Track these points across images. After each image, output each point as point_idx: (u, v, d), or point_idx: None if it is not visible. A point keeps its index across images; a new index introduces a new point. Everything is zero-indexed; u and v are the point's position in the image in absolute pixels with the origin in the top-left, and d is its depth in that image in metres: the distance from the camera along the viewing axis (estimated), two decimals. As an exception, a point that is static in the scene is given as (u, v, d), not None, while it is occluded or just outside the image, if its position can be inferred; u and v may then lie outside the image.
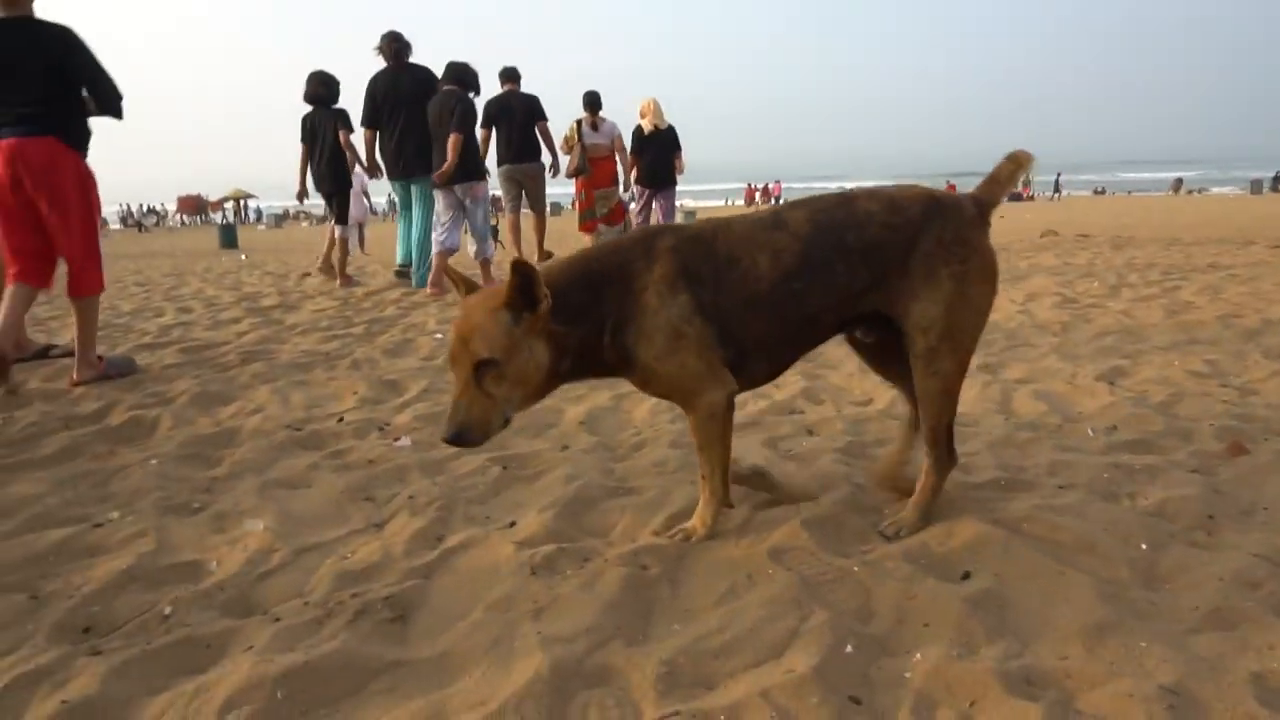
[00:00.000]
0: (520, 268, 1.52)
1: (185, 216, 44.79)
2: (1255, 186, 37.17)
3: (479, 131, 6.39)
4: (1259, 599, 1.45)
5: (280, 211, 42.99)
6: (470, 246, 6.21)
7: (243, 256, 13.59)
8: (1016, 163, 1.77)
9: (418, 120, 5.95)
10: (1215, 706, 1.17)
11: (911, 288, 1.68)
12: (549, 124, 7.43)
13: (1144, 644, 1.31)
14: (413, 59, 6.24)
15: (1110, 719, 1.16)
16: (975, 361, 3.33)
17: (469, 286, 1.68)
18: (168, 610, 1.54)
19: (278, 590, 1.63)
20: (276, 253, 14.63)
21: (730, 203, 44.55)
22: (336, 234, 6.77)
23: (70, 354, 3.62)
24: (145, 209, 46.56)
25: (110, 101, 3.33)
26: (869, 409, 2.76)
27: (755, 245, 1.69)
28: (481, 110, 6.49)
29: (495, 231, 7.48)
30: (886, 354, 1.86)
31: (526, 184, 7.53)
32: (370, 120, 6.19)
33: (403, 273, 6.66)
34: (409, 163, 6.14)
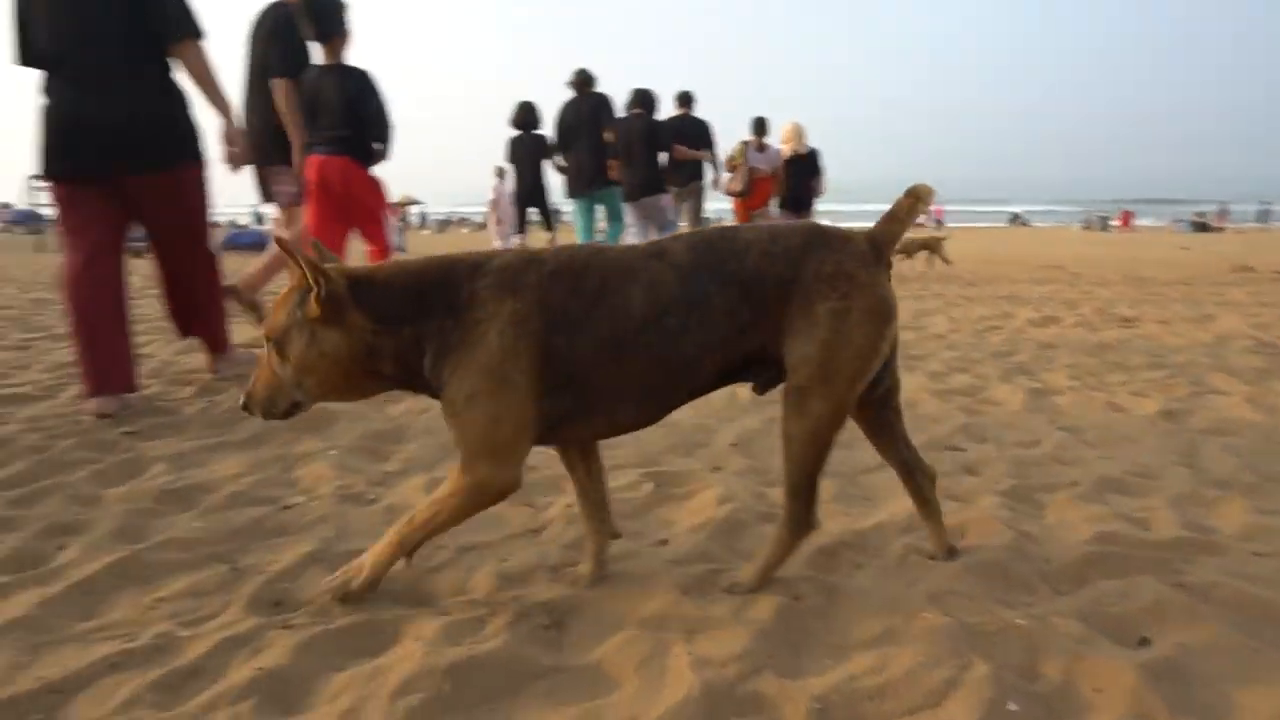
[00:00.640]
0: (311, 263, 1.50)
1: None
2: None
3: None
4: None
5: (444, 217, 45.19)
6: None
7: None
8: (915, 197, 1.63)
9: (597, 141, 6.80)
10: None
11: (791, 324, 1.56)
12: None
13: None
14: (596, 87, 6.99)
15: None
16: (1153, 406, 3.15)
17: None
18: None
19: (443, 585, 1.72)
20: (441, 256, 15.38)
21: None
22: (516, 243, 7.65)
23: None
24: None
25: (382, 133, 4.31)
26: (1035, 450, 2.63)
27: (631, 276, 1.56)
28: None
29: None
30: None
31: (688, 199, 7.88)
32: (561, 144, 7.06)
33: None
34: (590, 180, 6.87)
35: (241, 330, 4.41)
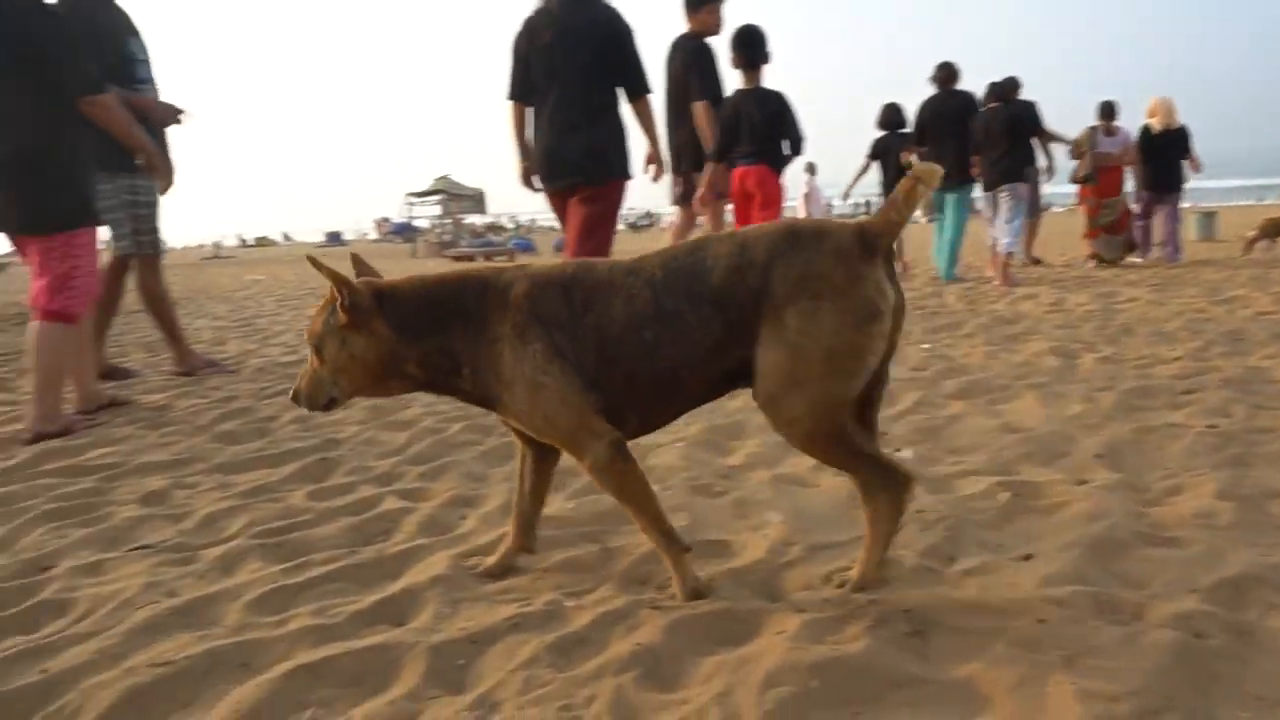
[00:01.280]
0: (337, 277, 1.64)
1: None
2: None
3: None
4: None
5: (636, 220, 45.33)
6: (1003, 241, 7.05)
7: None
8: (915, 179, 1.50)
9: (959, 136, 7.21)
10: None
11: (763, 333, 1.52)
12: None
13: None
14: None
15: None
16: None
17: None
18: (710, 581, 1.74)
19: (797, 582, 1.75)
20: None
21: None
22: None
23: None
24: (644, 211, 52.92)
25: (797, 145, 5.08)
26: None
27: (611, 290, 1.60)
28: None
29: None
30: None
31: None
32: (918, 139, 7.54)
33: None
34: (953, 174, 6.97)
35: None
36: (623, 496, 1.66)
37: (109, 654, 1.54)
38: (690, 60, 5.15)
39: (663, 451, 2.63)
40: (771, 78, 5.17)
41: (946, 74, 7.45)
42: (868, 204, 9.10)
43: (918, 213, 8.37)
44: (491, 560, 1.87)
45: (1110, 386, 3.18)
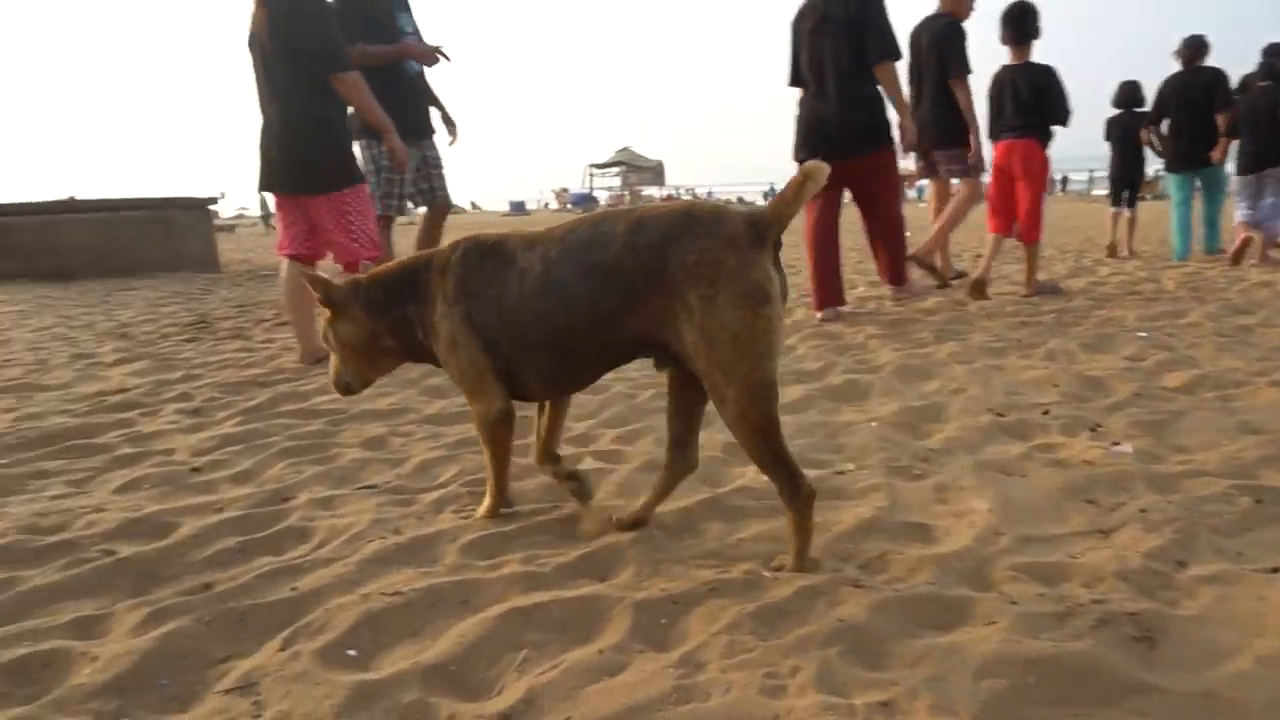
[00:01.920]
0: (313, 279, 1.99)
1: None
2: None
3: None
4: None
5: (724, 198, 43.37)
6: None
7: (908, 234, 14.14)
8: (805, 175, 1.56)
9: (1203, 115, 7.01)
10: None
11: (671, 312, 1.60)
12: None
13: None
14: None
15: None
16: None
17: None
18: (912, 566, 1.70)
19: (1006, 574, 1.67)
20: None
21: None
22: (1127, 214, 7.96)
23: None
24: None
25: (1064, 119, 5.15)
26: None
27: (512, 262, 1.76)
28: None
29: None
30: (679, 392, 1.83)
31: None
32: (1155, 118, 7.40)
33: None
34: (1196, 156, 7.10)
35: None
36: (490, 444, 1.91)
37: (346, 580, 1.69)
38: (941, 38, 5.33)
39: (857, 430, 2.58)
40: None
41: (1193, 50, 7.11)
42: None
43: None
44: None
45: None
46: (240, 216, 30.90)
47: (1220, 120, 7.01)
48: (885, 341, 3.93)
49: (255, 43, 3.78)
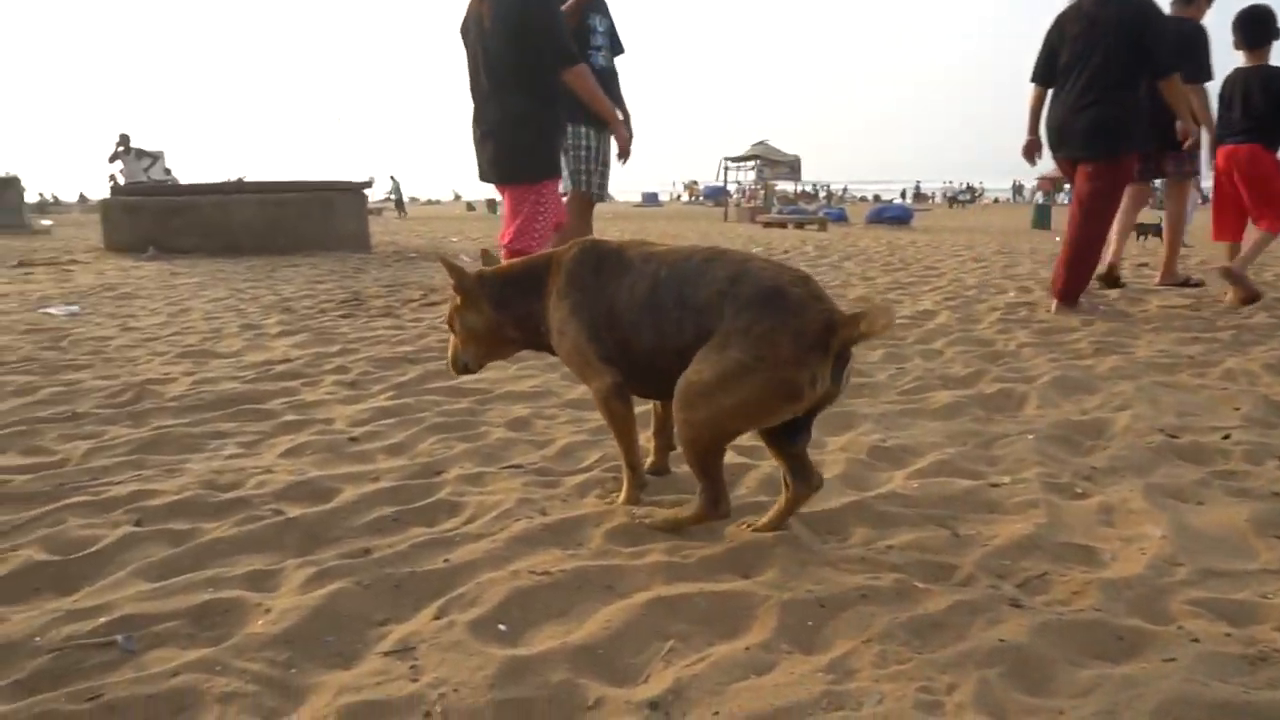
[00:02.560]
0: (450, 267, 2.10)
1: (1043, 195, 44.70)
2: None
3: None
4: None
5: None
6: None
7: (1056, 239, 13.44)
8: (886, 319, 1.62)
9: None
10: None
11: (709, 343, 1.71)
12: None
13: None
14: None
15: None
16: None
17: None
18: (1076, 589, 1.60)
19: (1185, 608, 1.55)
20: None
21: None
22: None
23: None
24: (964, 185, 49.90)
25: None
26: None
27: (629, 269, 1.89)
28: None
29: None
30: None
31: None
32: None
33: None
34: None
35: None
36: (609, 422, 1.99)
37: (496, 556, 1.74)
38: (1177, 43, 5.01)
39: (1012, 442, 2.45)
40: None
41: None
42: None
43: None
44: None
45: None
46: (387, 201, 32.42)
47: None
48: (1039, 351, 3.73)
49: (471, 34, 4.01)
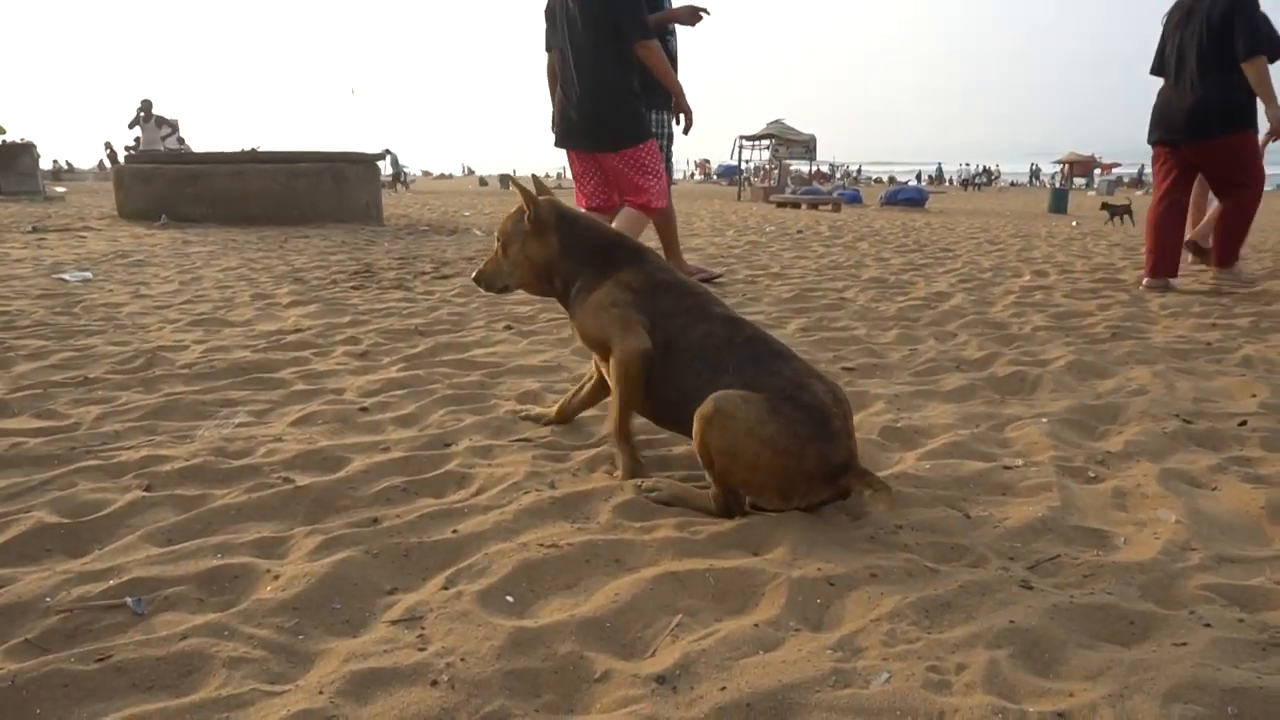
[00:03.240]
0: (528, 195, 2.09)
1: (1074, 179, 44.20)
2: None
3: None
4: None
5: (1114, 178, 40.83)
6: None
7: (1074, 224, 13.35)
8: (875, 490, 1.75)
9: None
10: None
11: None
12: None
13: None
14: None
15: None
16: None
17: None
18: (1087, 572, 1.59)
19: (1198, 593, 1.53)
20: (1116, 224, 13.95)
21: None
22: None
23: None
24: (980, 167, 49.64)
25: None
26: None
27: (702, 315, 1.95)
28: None
29: None
30: None
31: None
32: None
33: None
34: None
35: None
36: (619, 384, 1.99)
37: (505, 528, 1.74)
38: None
39: (1025, 425, 2.43)
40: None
41: None
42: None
43: None
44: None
45: None
46: (400, 174, 32.28)
47: None
48: (1054, 334, 3.70)
49: (556, 12, 4.32)
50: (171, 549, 1.64)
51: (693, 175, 56.61)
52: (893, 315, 4.17)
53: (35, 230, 8.14)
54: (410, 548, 1.66)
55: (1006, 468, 2.11)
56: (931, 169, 53.62)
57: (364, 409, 2.57)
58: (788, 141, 28.39)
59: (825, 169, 40.66)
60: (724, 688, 1.23)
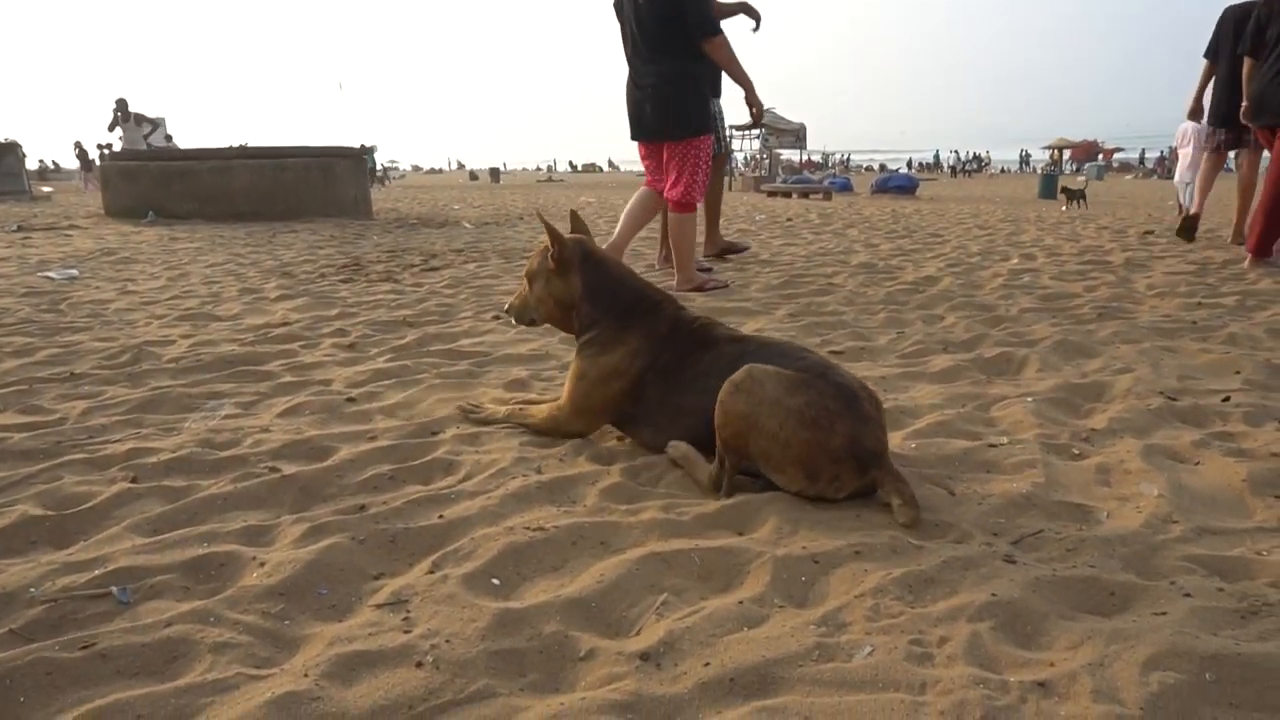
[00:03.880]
0: (554, 233, 2.09)
1: (1075, 164, 44.51)
2: None
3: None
4: None
5: (1104, 164, 40.91)
6: None
7: (1063, 208, 13.39)
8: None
9: None
10: None
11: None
12: None
13: None
14: None
15: None
16: None
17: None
18: (1070, 546, 1.60)
19: (1178, 564, 1.54)
20: (1105, 205, 14.00)
21: None
22: None
23: None
24: (970, 154, 49.67)
25: None
26: None
27: (699, 357, 1.99)
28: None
29: None
30: None
31: None
32: None
33: None
34: None
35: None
36: (539, 428, 2.20)
37: (491, 512, 1.74)
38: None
39: (1010, 404, 2.44)
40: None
41: None
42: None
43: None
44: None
45: None
46: (392, 165, 32.12)
47: None
48: (1041, 316, 3.72)
49: (626, 9, 4.46)
50: (157, 539, 1.64)
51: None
52: (881, 300, 4.18)
53: (20, 229, 8.10)
54: (397, 533, 1.66)
55: (991, 446, 2.12)
56: (926, 156, 53.67)
57: (351, 399, 2.57)
58: (778, 131, 28.36)
59: (817, 158, 40.63)
60: (708, 664, 1.24)
